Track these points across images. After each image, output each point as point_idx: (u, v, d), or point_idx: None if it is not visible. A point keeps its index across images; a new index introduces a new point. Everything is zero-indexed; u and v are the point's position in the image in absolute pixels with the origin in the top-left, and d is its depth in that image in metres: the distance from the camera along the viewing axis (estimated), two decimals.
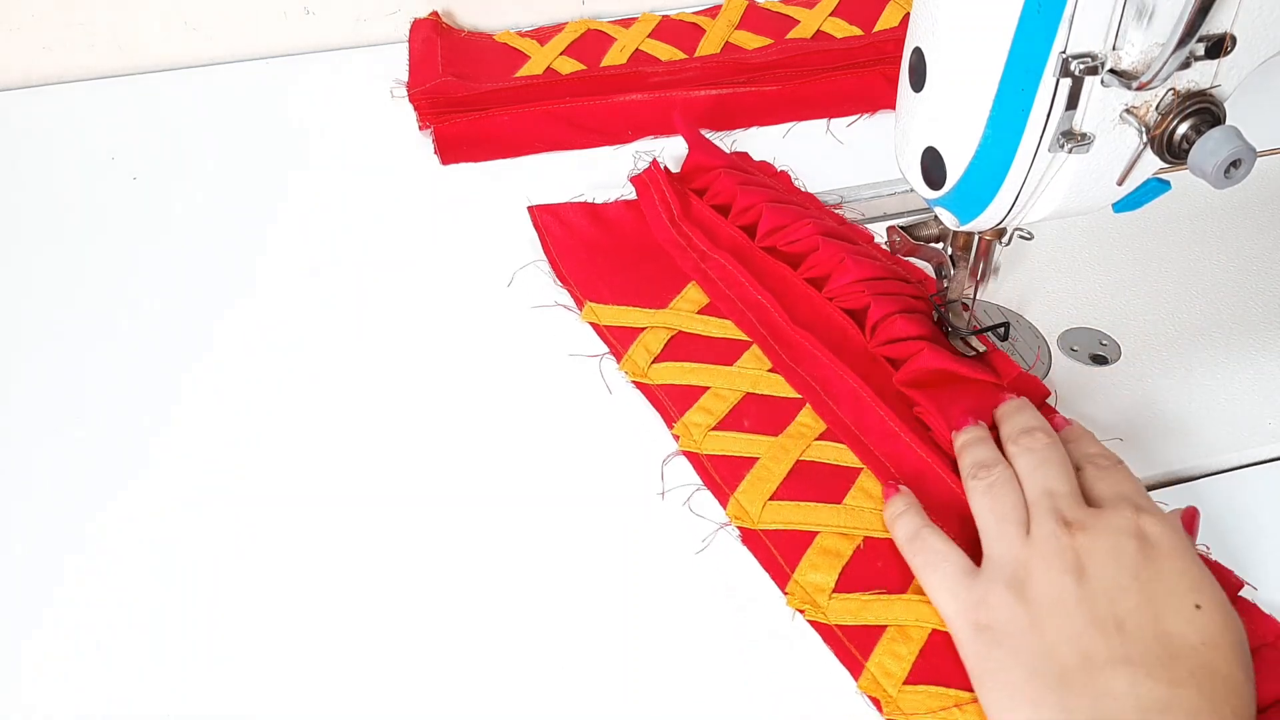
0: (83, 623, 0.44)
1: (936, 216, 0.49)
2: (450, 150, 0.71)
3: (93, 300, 0.59)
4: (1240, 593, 0.43)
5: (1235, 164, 0.39)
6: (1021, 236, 0.52)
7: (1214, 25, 0.39)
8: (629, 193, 0.66)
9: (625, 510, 0.48)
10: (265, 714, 0.41)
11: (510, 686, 0.41)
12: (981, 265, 0.51)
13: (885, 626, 0.43)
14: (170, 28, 0.80)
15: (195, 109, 0.76)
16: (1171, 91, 0.40)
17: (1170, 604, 0.38)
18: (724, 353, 0.55)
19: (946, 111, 0.44)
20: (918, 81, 0.45)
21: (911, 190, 0.49)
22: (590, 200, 0.66)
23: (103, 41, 0.79)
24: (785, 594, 0.44)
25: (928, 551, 0.43)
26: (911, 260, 0.54)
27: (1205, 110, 0.40)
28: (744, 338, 0.56)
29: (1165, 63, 0.38)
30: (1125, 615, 0.38)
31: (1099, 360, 0.54)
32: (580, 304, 0.58)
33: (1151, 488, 0.49)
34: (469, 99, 0.73)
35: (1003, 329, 0.54)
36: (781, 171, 0.67)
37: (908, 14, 0.47)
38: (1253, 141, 0.39)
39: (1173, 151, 0.41)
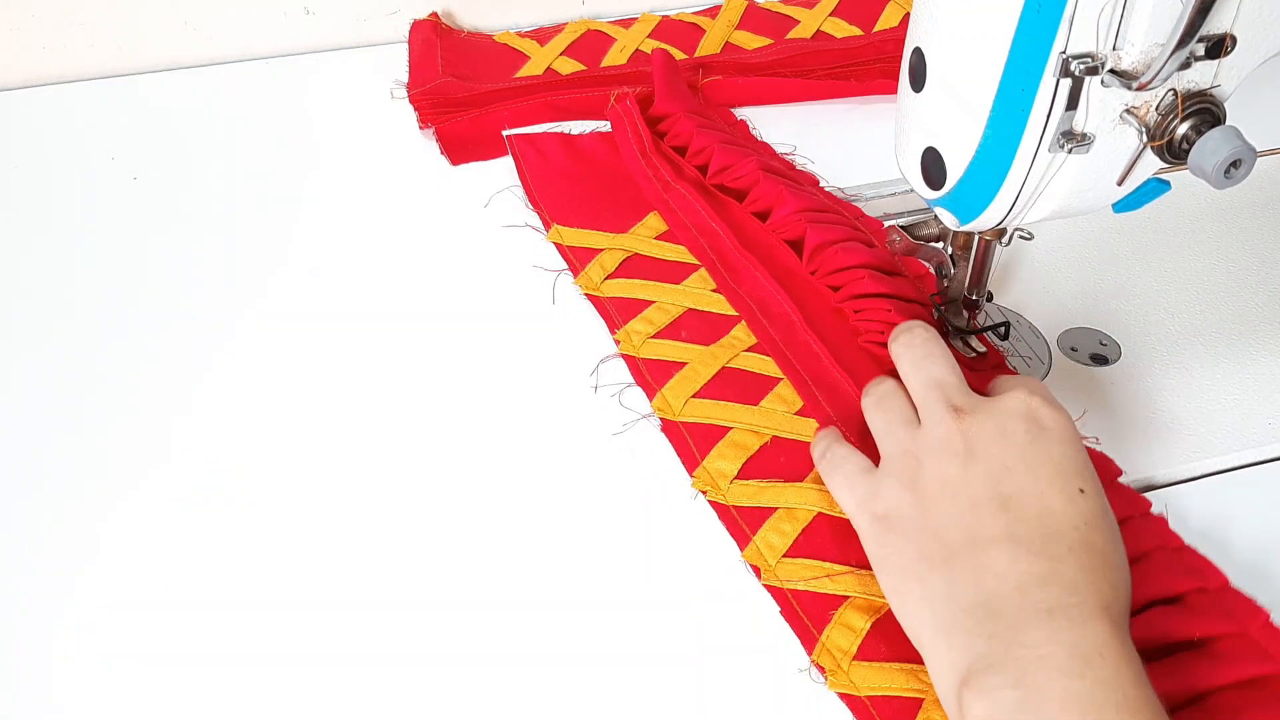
0: (90, 624, 0.44)
1: (936, 216, 0.49)
2: (457, 150, 0.71)
3: (92, 300, 0.59)
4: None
5: (1235, 164, 0.39)
6: (1021, 236, 0.52)
7: (1214, 25, 0.39)
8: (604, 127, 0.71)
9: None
10: (275, 715, 0.41)
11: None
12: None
13: (775, 509, 0.47)
14: (170, 28, 0.80)
15: (195, 109, 0.76)
16: (1171, 91, 0.40)
17: (1054, 485, 0.40)
18: (673, 274, 0.60)
19: (946, 111, 0.44)
20: (918, 81, 0.45)
21: (911, 190, 0.49)
22: (567, 132, 0.71)
23: (103, 41, 0.79)
24: (692, 478, 0.49)
25: (833, 457, 0.46)
26: (913, 258, 0.54)
27: (1205, 110, 0.40)
28: (694, 261, 0.60)
29: (1165, 63, 0.38)
30: (1010, 494, 0.40)
31: (1099, 360, 0.54)
32: (548, 225, 0.63)
33: (1151, 488, 0.49)
34: (469, 99, 0.73)
35: (1003, 329, 0.54)
36: (741, 120, 0.72)
37: (908, 14, 0.47)
38: (1253, 141, 0.39)
39: (1173, 151, 0.41)
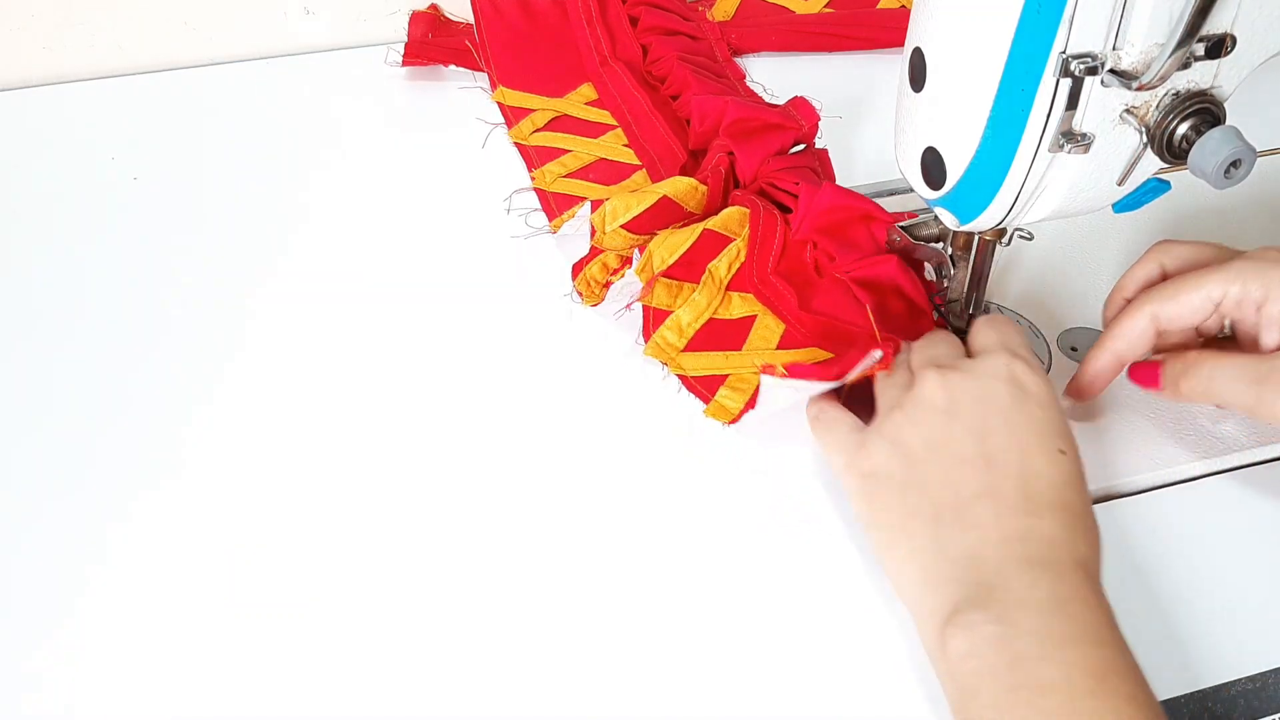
0: (96, 624, 0.44)
1: (936, 216, 0.49)
2: (414, 51, 0.76)
3: (93, 300, 0.59)
4: None
5: (1235, 164, 0.39)
6: (1021, 236, 0.52)
7: (1214, 25, 0.39)
8: None
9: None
10: (288, 713, 0.41)
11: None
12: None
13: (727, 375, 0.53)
14: (170, 28, 0.80)
15: (195, 109, 0.76)
16: (1171, 92, 0.40)
17: (1036, 445, 0.41)
18: (593, 131, 0.70)
19: (946, 111, 0.44)
20: (918, 81, 0.45)
21: (911, 190, 0.49)
22: None
23: (103, 41, 0.79)
24: (647, 344, 0.54)
25: (825, 418, 0.47)
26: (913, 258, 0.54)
27: (1205, 110, 0.40)
28: (613, 123, 0.70)
29: (1165, 63, 0.38)
30: (994, 453, 0.41)
31: None
32: (494, 86, 0.73)
33: (1151, 488, 0.49)
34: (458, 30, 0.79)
35: None
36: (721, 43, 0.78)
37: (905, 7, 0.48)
38: (1253, 141, 0.39)
39: (1173, 151, 0.41)
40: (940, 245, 0.53)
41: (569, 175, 0.66)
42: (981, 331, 0.46)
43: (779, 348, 0.54)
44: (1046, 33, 0.39)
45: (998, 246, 0.51)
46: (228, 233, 0.64)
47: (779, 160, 0.60)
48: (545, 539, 0.47)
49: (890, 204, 0.65)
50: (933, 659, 0.39)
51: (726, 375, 0.53)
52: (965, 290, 0.53)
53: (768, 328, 0.55)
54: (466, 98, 0.75)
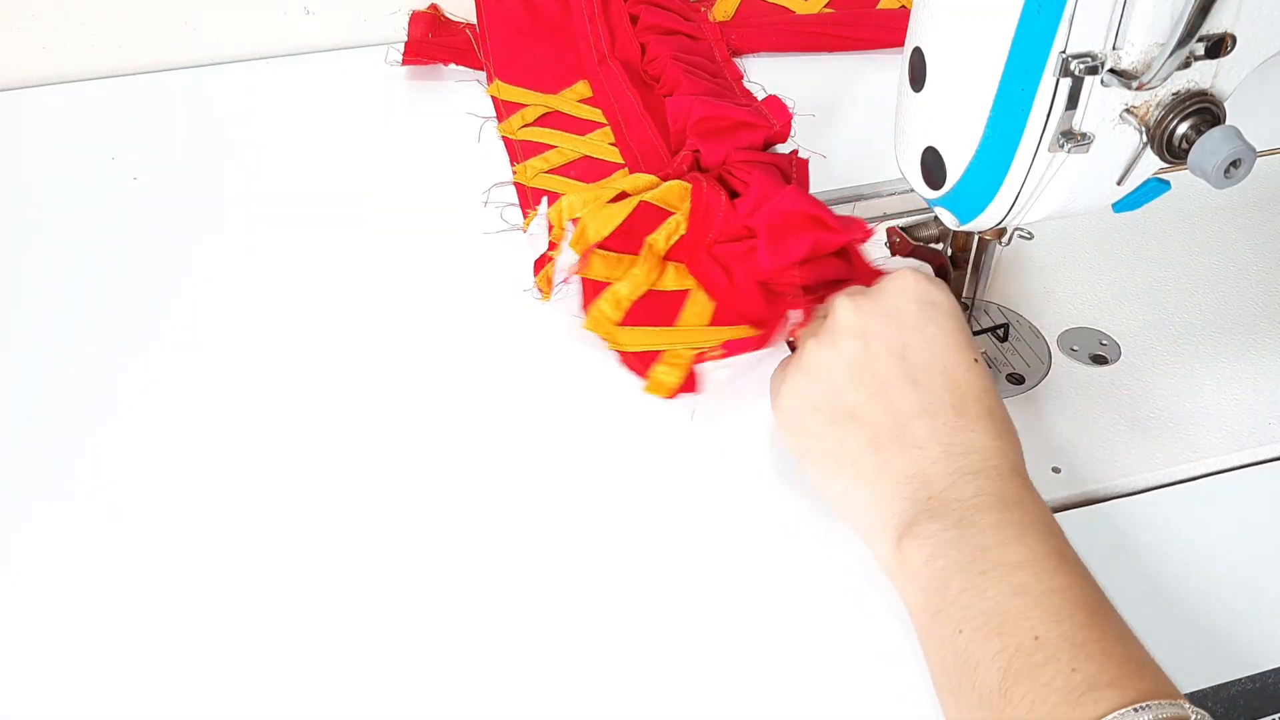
0: (69, 617, 0.44)
1: (936, 216, 0.49)
2: (413, 49, 0.77)
3: (93, 300, 0.59)
4: None
5: (1235, 164, 0.39)
6: (1021, 236, 0.52)
7: (1214, 25, 0.38)
8: None
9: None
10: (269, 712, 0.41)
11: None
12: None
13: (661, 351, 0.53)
14: (170, 28, 0.80)
15: (195, 109, 0.76)
16: (1171, 92, 0.40)
17: (955, 356, 0.43)
18: (581, 128, 0.69)
19: (946, 111, 0.44)
20: (918, 81, 0.45)
21: (911, 190, 0.49)
22: None
23: (103, 41, 0.79)
24: (586, 317, 0.54)
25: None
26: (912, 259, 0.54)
27: (1205, 110, 0.40)
28: (603, 121, 0.69)
29: (1165, 63, 0.38)
30: (916, 368, 0.42)
31: (1099, 360, 0.54)
32: (491, 79, 0.74)
33: (1151, 488, 0.49)
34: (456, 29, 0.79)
35: (1003, 330, 0.54)
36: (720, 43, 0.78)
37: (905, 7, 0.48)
38: (1253, 141, 0.39)
39: (1173, 151, 0.41)
40: (940, 245, 0.53)
41: (551, 171, 0.66)
42: (890, 269, 0.47)
43: (711, 324, 0.55)
44: (1046, 32, 0.39)
45: (998, 246, 0.51)
46: (227, 232, 0.64)
47: (746, 153, 0.61)
48: (537, 533, 0.47)
49: (890, 204, 0.65)
50: (890, 573, 0.41)
51: (661, 351, 0.53)
52: (965, 290, 0.53)
53: (700, 304, 0.55)
54: (466, 97, 0.75)
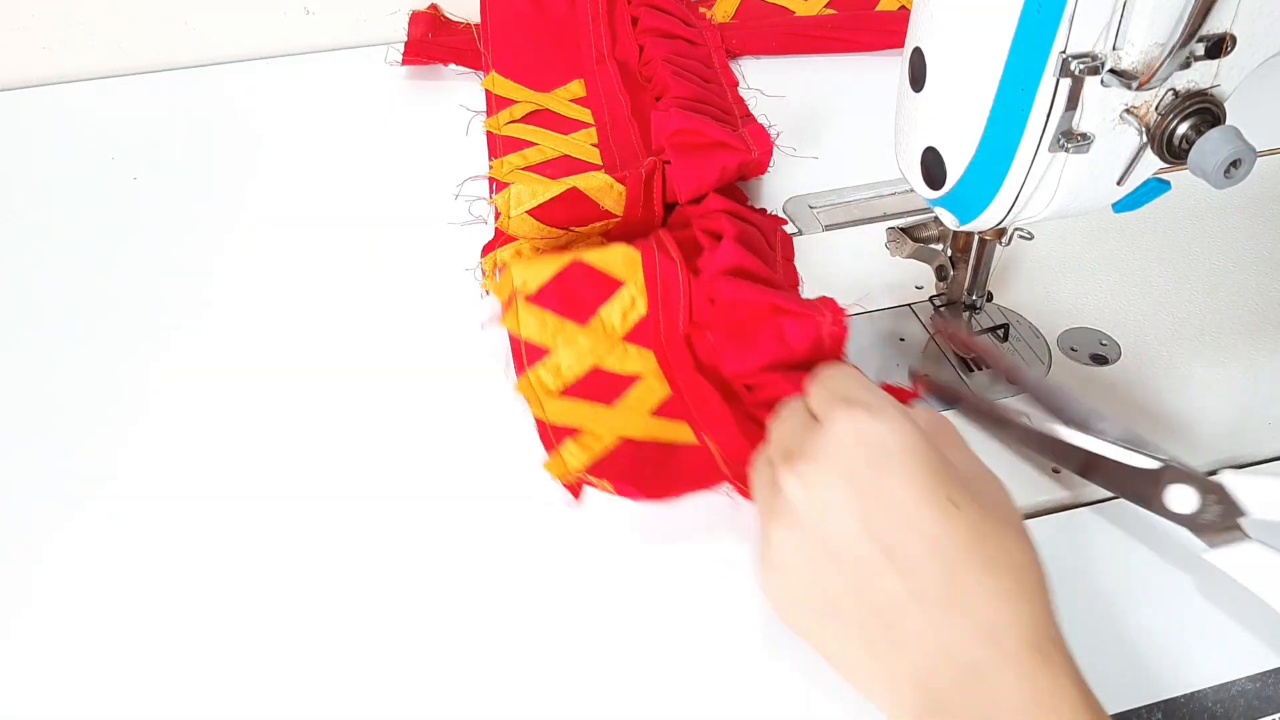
0: (58, 624, 0.44)
1: (936, 217, 0.49)
2: (414, 48, 0.77)
3: (92, 300, 0.59)
4: None
5: (1235, 164, 0.39)
6: (1021, 236, 0.52)
7: (1214, 25, 0.39)
8: None
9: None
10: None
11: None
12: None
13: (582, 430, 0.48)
14: (170, 28, 0.80)
15: (195, 109, 0.76)
16: (1171, 91, 0.40)
17: (926, 511, 0.36)
18: (566, 127, 0.69)
19: (946, 111, 0.44)
20: (918, 81, 0.45)
21: (911, 190, 0.49)
22: None
23: (103, 41, 0.79)
24: (519, 379, 0.51)
25: (758, 472, 0.42)
26: (912, 260, 0.54)
27: (1205, 110, 0.40)
28: (590, 121, 0.69)
29: (1165, 63, 0.38)
30: (886, 539, 0.36)
31: (1099, 360, 0.54)
32: (487, 70, 0.74)
33: None
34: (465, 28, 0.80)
35: (1002, 330, 0.54)
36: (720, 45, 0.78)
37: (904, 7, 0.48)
38: (1253, 141, 0.39)
39: (1173, 151, 0.41)
40: (940, 246, 0.53)
41: (527, 168, 0.66)
42: (814, 394, 0.41)
43: (654, 413, 0.50)
44: (1046, 33, 0.39)
45: (998, 246, 0.51)
46: (227, 232, 0.64)
47: (726, 202, 0.57)
48: (537, 533, 0.47)
49: (890, 204, 0.65)
50: None
51: (579, 429, 0.48)
52: (965, 291, 0.53)
53: (649, 389, 0.51)
54: (466, 98, 0.75)
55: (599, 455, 0.47)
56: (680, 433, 0.49)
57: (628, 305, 0.52)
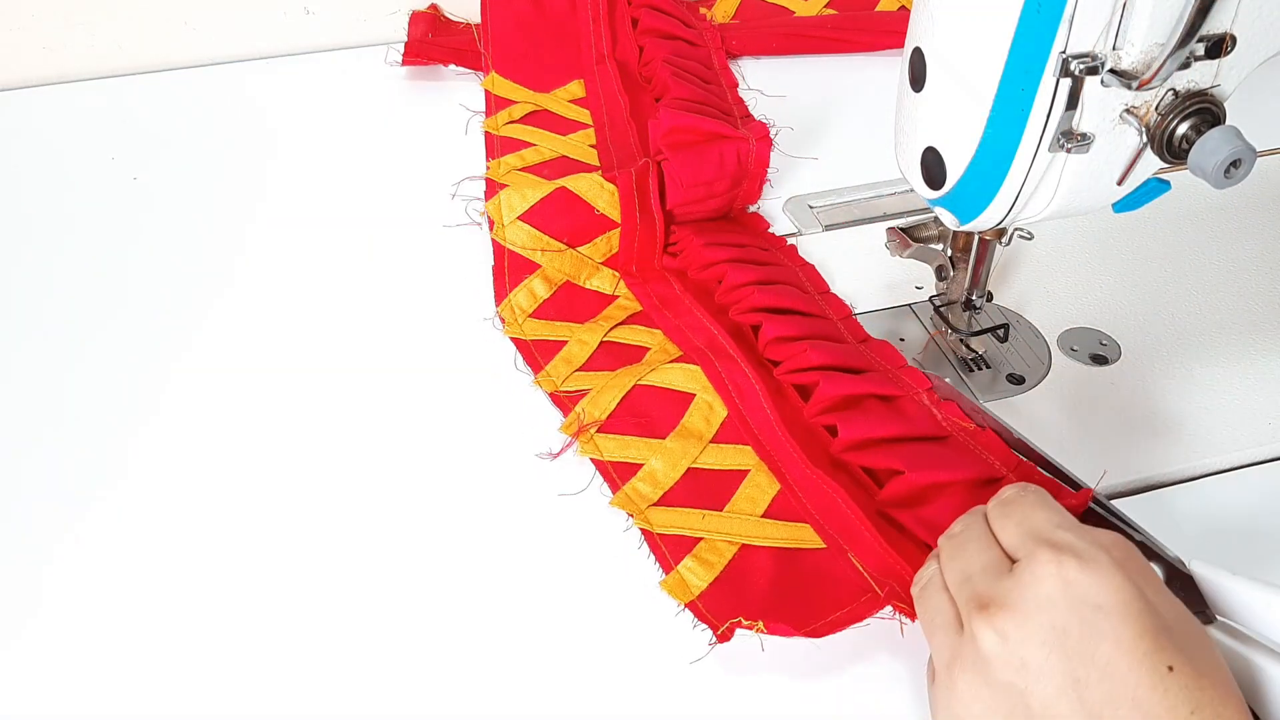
0: (64, 626, 0.44)
1: (936, 217, 0.49)
2: (414, 48, 0.77)
3: (92, 300, 0.59)
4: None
5: (1235, 164, 0.39)
6: (1021, 236, 0.52)
7: (1214, 25, 0.38)
8: None
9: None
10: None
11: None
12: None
13: (700, 539, 0.45)
14: (170, 28, 0.80)
15: (195, 109, 0.76)
16: (1171, 91, 0.40)
17: (1144, 679, 0.33)
18: (565, 127, 0.69)
19: (946, 111, 0.44)
20: (918, 81, 0.45)
21: (911, 190, 0.49)
22: None
23: (103, 41, 0.79)
24: (615, 495, 0.47)
25: (925, 600, 0.39)
26: (911, 259, 0.54)
27: (1205, 110, 0.40)
28: (589, 122, 0.69)
29: (1165, 63, 0.38)
30: (1097, 708, 0.33)
31: (1099, 360, 0.54)
32: (488, 71, 0.74)
33: (1151, 488, 0.49)
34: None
35: (1002, 330, 0.54)
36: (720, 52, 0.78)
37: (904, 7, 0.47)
38: (1253, 141, 0.39)
39: (1173, 151, 0.41)
40: (940, 246, 0.53)
41: (524, 169, 0.65)
42: (1004, 527, 0.38)
43: (766, 514, 0.46)
44: (1046, 33, 0.39)
45: (998, 246, 0.51)
46: (227, 232, 0.64)
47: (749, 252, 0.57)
48: (535, 531, 0.47)
49: (890, 204, 0.65)
50: None
51: (699, 539, 0.45)
52: (965, 291, 0.53)
53: (758, 486, 0.47)
54: (466, 98, 0.75)
55: (721, 571, 0.44)
56: (803, 535, 0.45)
57: (707, 411, 0.50)
